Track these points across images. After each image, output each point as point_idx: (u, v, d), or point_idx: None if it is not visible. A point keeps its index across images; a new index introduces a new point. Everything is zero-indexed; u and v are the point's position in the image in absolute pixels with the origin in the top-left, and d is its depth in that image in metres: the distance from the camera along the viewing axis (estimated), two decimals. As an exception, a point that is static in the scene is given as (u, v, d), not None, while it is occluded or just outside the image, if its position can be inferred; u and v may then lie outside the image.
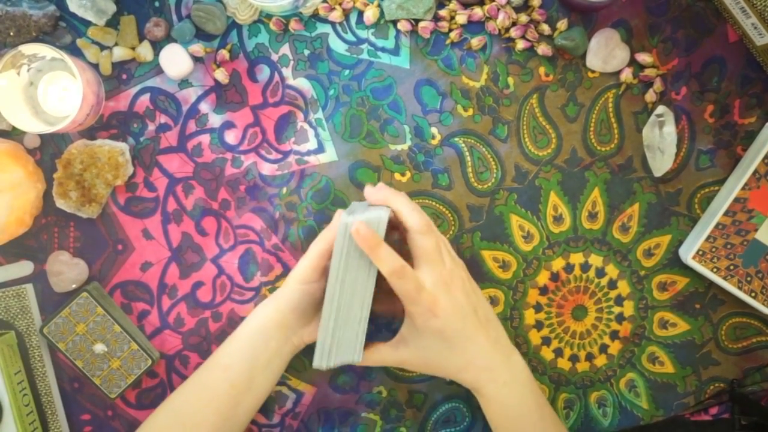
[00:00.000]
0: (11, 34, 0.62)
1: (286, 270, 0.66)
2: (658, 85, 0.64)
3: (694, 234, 0.65)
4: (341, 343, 0.55)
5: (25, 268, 0.65)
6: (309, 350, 0.66)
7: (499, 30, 0.64)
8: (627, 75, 0.64)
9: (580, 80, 0.65)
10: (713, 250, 0.63)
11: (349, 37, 0.64)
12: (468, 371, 0.57)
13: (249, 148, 0.65)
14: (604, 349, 0.67)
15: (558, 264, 0.66)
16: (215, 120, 0.65)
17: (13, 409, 0.61)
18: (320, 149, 0.65)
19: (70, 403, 0.66)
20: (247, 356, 0.58)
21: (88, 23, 0.63)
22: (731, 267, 0.64)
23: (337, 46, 0.64)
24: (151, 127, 0.65)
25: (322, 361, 0.55)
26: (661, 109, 0.64)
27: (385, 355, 0.59)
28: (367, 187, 0.58)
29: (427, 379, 0.67)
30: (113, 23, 0.63)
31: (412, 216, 0.56)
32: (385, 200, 0.57)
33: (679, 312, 0.67)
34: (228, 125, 0.65)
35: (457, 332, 0.55)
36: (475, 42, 0.64)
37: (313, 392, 0.67)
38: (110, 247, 0.65)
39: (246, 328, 0.60)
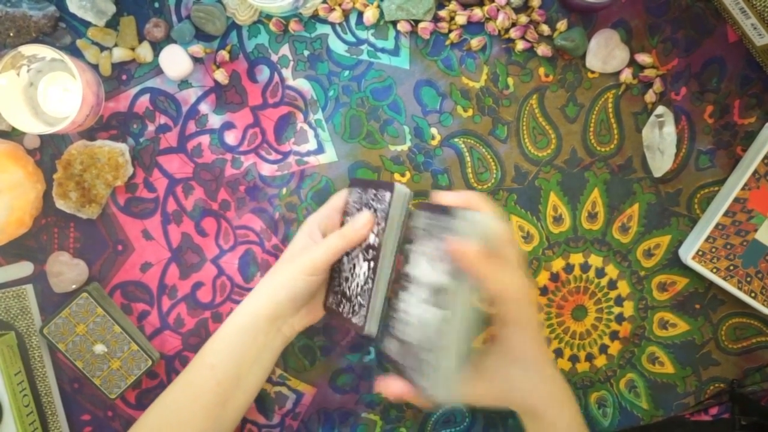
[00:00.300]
0: (11, 34, 0.62)
1: (286, 270, 0.66)
2: (657, 85, 0.64)
3: (694, 234, 0.65)
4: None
5: (25, 268, 0.65)
6: (310, 351, 0.66)
7: (499, 31, 0.64)
8: (627, 75, 0.64)
9: (580, 81, 0.65)
10: (713, 250, 0.63)
11: (349, 37, 0.64)
12: (533, 397, 0.52)
13: (249, 149, 0.65)
14: (604, 349, 0.67)
15: (558, 264, 0.67)
16: (215, 121, 0.65)
17: (13, 410, 0.61)
18: (320, 150, 0.65)
19: (70, 403, 0.66)
20: (233, 354, 0.57)
21: (87, 24, 0.63)
22: (731, 267, 0.64)
23: (337, 46, 0.64)
24: (151, 127, 0.65)
25: (370, 328, 0.53)
26: (660, 109, 0.64)
27: (464, 392, 0.51)
28: (442, 193, 0.51)
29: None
30: (113, 24, 0.63)
31: (501, 224, 0.48)
32: (468, 203, 0.50)
33: (679, 312, 0.67)
34: (228, 126, 0.65)
35: (536, 357, 0.51)
36: (475, 43, 0.64)
37: (313, 392, 0.67)
38: (110, 247, 0.65)
39: (233, 323, 0.58)
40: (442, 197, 0.50)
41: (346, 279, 0.59)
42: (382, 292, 0.54)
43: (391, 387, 0.49)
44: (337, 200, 0.61)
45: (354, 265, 0.58)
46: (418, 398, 0.48)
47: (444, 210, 0.48)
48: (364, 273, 0.56)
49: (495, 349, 0.51)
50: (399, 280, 0.52)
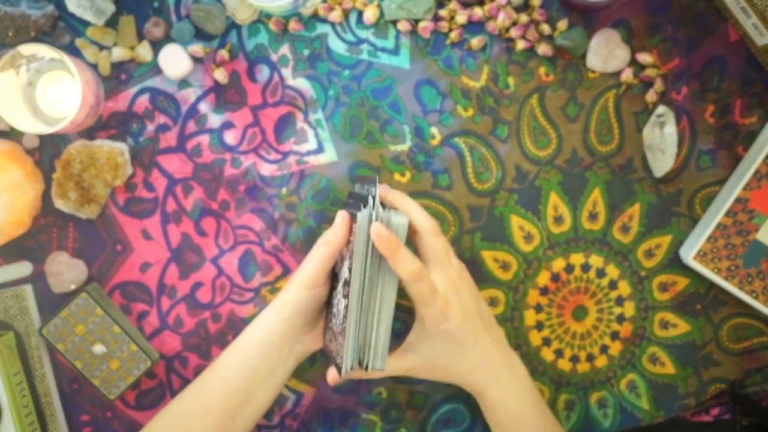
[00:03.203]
0: (10, 34, 0.61)
1: (286, 270, 0.66)
2: (658, 85, 0.64)
3: (695, 234, 0.65)
4: (364, 349, 0.55)
5: (24, 268, 0.65)
6: (309, 351, 0.66)
7: (500, 30, 0.64)
8: (627, 75, 0.64)
9: (581, 80, 0.65)
10: (714, 250, 0.63)
11: (349, 37, 0.64)
12: (474, 374, 0.57)
13: (248, 149, 0.65)
14: (604, 349, 0.67)
15: (558, 264, 0.66)
16: (214, 120, 0.65)
17: (12, 411, 0.61)
18: (320, 149, 0.65)
19: (70, 404, 0.66)
20: (246, 369, 0.57)
21: (87, 23, 0.63)
22: (732, 267, 0.64)
23: (337, 46, 0.64)
24: (151, 127, 0.64)
25: (347, 367, 0.54)
26: (661, 109, 0.64)
27: (393, 363, 0.58)
28: (381, 186, 0.58)
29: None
30: (112, 23, 0.63)
31: (424, 218, 0.56)
32: (393, 202, 0.57)
33: (680, 312, 0.67)
34: (227, 125, 0.65)
35: (467, 335, 0.55)
36: (475, 42, 0.64)
37: (313, 393, 0.67)
38: (109, 247, 0.65)
39: (247, 338, 0.58)
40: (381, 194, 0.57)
41: (335, 315, 0.57)
42: (353, 328, 0.54)
43: (329, 374, 0.57)
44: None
45: (338, 301, 0.56)
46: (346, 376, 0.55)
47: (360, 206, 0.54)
48: (342, 310, 0.55)
49: (416, 326, 0.57)
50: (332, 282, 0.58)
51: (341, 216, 0.55)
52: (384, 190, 0.59)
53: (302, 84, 0.64)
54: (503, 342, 0.59)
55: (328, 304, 0.60)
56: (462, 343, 0.56)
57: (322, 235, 0.58)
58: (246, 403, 0.57)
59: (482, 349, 0.56)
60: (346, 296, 0.53)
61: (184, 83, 0.64)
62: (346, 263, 0.54)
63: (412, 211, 0.57)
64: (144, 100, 0.64)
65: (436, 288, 0.54)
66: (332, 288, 0.58)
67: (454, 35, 0.64)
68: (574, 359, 0.67)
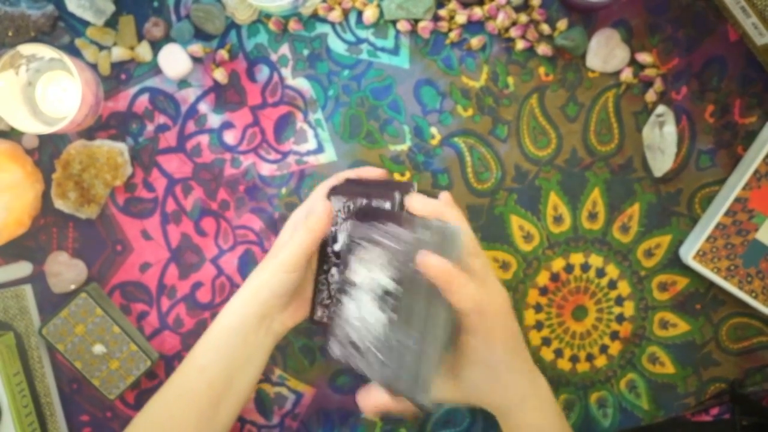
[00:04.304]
0: (9, 34, 0.61)
1: (286, 270, 0.66)
2: (658, 84, 0.64)
3: (695, 234, 0.65)
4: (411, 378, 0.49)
5: (23, 268, 0.65)
6: (309, 351, 0.66)
7: (499, 30, 0.64)
8: (627, 75, 0.64)
9: (580, 80, 0.65)
10: (714, 250, 0.63)
11: (349, 37, 0.64)
12: (503, 397, 0.54)
13: (248, 149, 0.65)
14: (604, 349, 0.67)
15: (558, 264, 0.66)
16: (214, 120, 0.65)
17: (12, 411, 0.61)
18: (320, 149, 0.65)
19: (69, 404, 0.66)
20: (224, 355, 0.56)
21: (86, 23, 0.63)
22: (732, 267, 0.64)
23: (337, 46, 0.64)
24: (150, 127, 0.64)
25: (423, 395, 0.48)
26: (661, 108, 0.64)
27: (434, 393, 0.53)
28: (415, 197, 0.53)
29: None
30: (112, 23, 0.63)
31: (466, 236, 0.51)
32: (437, 213, 0.52)
33: (680, 312, 0.67)
34: (227, 125, 0.65)
35: (505, 360, 0.52)
36: (475, 42, 0.64)
37: (313, 393, 0.67)
38: (109, 247, 0.65)
39: (222, 324, 0.57)
40: (414, 205, 0.52)
41: (334, 293, 0.57)
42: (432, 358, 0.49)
43: (370, 399, 0.53)
44: (322, 191, 0.61)
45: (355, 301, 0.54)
46: (396, 405, 0.52)
47: (389, 215, 0.51)
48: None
49: (458, 353, 0.53)
50: (341, 287, 0.54)
51: (324, 207, 0.55)
52: (425, 199, 0.53)
53: (302, 84, 0.64)
54: (530, 362, 0.56)
55: (320, 281, 0.60)
56: (499, 366, 0.52)
57: (307, 219, 0.56)
58: (228, 388, 0.56)
59: (517, 372, 0.54)
60: (394, 310, 0.49)
61: (183, 83, 0.64)
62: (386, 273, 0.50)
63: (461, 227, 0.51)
64: (144, 100, 0.64)
65: (487, 314, 0.50)
66: (323, 264, 0.59)
67: (453, 35, 0.64)
68: (574, 359, 0.67)
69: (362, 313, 0.51)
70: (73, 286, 0.64)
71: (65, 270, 0.64)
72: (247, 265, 0.66)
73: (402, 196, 0.55)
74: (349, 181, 0.61)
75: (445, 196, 0.57)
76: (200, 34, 0.64)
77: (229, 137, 0.65)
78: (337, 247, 0.59)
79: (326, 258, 0.60)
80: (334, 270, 0.59)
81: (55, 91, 0.62)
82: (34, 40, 0.62)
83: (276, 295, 0.56)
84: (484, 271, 0.52)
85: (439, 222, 0.49)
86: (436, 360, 0.50)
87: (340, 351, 0.54)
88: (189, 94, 0.64)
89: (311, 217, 0.56)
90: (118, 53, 0.63)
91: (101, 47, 0.64)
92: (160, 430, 0.56)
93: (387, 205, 0.54)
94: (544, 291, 0.67)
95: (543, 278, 0.66)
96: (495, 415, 0.56)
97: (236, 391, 0.57)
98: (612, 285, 0.67)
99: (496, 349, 0.52)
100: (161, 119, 0.64)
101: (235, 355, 0.56)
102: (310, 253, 0.56)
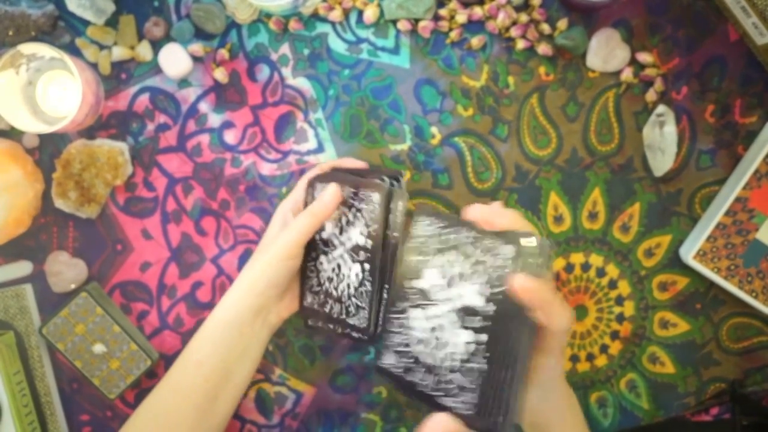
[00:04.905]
0: (10, 33, 0.61)
1: (286, 270, 0.66)
2: (658, 84, 0.64)
3: (695, 234, 0.65)
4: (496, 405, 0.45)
5: (24, 268, 0.65)
6: (310, 351, 0.66)
7: (499, 29, 0.64)
8: (627, 74, 0.64)
9: (581, 80, 0.65)
10: (714, 250, 0.63)
11: (349, 36, 0.64)
12: (549, 417, 0.53)
13: (248, 148, 0.65)
14: (604, 349, 0.67)
15: (558, 264, 0.66)
16: (215, 120, 0.65)
17: (12, 410, 0.61)
18: (320, 149, 0.65)
19: (69, 403, 0.66)
20: (220, 349, 0.56)
21: (87, 23, 0.63)
22: (732, 267, 0.64)
23: (337, 45, 0.64)
24: (151, 126, 0.64)
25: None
26: (661, 108, 0.64)
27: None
28: (492, 212, 0.48)
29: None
30: (112, 23, 0.63)
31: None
32: (515, 223, 0.48)
33: (680, 312, 0.67)
34: (227, 125, 0.65)
35: (556, 377, 0.51)
36: (475, 41, 0.64)
37: (313, 393, 0.67)
38: (109, 247, 0.65)
39: (217, 318, 0.57)
40: (494, 218, 0.47)
41: (330, 279, 0.58)
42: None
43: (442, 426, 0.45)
44: (306, 181, 0.61)
45: (339, 266, 0.57)
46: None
47: (473, 227, 0.47)
48: (357, 275, 0.56)
49: (534, 379, 0.50)
50: (407, 297, 0.49)
51: (332, 190, 0.56)
52: (478, 212, 0.49)
53: (302, 83, 0.64)
54: (564, 377, 0.55)
55: (309, 269, 0.60)
56: (552, 388, 0.51)
57: (313, 204, 0.56)
58: (225, 382, 0.57)
59: (560, 391, 0.53)
60: (359, 261, 0.49)
61: (184, 83, 0.64)
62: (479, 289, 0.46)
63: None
64: (144, 99, 0.64)
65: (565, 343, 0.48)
66: (312, 251, 0.60)
67: (454, 35, 0.64)
68: (574, 359, 0.67)
69: (445, 335, 0.47)
70: (73, 286, 0.65)
71: (65, 269, 0.64)
72: (247, 264, 0.66)
73: (391, 181, 0.57)
74: (335, 170, 0.61)
75: (497, 205, 0.53)
76: (201, 34, 0.64)
77: (230, 137, 0.65)
78: (324, 234, 0.59)
79: (314, 245, 0.60)
80: (322, 257, 0.59)
81: (55, 91, 0.62)
82: (35, 39, 0.62)
83: (272, 285, 0.56)
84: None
85: (533, 234, 0.45)
86: (523, 389, 0.46)
87: (397, 361, 0.50)
88: (189, 94, 0.64)
89: (317, 203, 0.56)
90: (119, 53, 0.63)
91: (102, 47, 0.64)
92: (157, 424, 0.56)
93: (375, 196, 0.55)
94: (544, 291, 0.67)
95: (543, 278, 0.66)
96: (526, 429, 0.54)
97: (233, 384, 0.58)
98: (612, 285, 0.67)
99: (556, 369, 0.50)
100: (161, 119, 0.64)
101: (231, 349, 0.57)
102: (308, 239, 0.56)
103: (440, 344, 0.47)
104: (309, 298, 0.61)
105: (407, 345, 0.49)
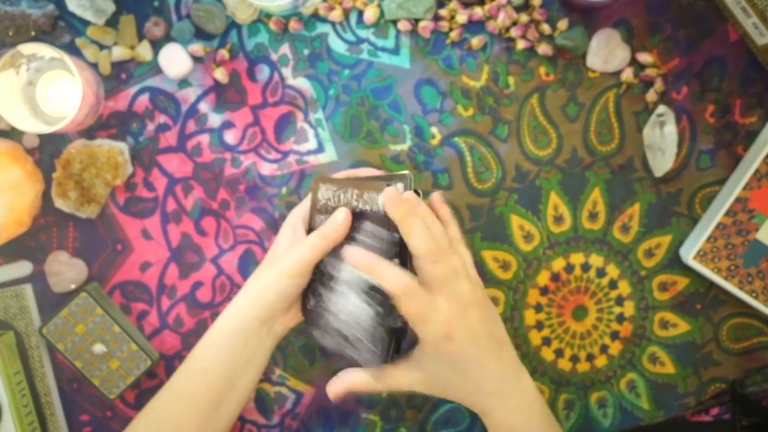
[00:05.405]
0: (10, 33, 0.61)
1: (286, 270, 0.66)
2: (658, 84, 0.64)
3: (695, 234, 0.65)
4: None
5: (23, 268, 0.65)
6: (310, 351, 0.66)
7: (500, 30, 0.64)
8: (628, 75, 0.64)
9: (581, 80, 0.65)
10: (714, 250, 0.63)
11: (349, 36, 0.64)
12: (479, 397, 0.55)
13: (248, 148, 0.65)
14: (604, 349, 0.67)
15: (558, 264, 0.66)
16: (215, 120, 0.65)
17: (12, 410, 0.61)
18: (320, 149, 0.65)
19: (69, 403, 0.66)
20: (225, 358, 0.56)
21: (87, 23, 0.63)
22: (732, 267, 0.64)
23: (337, 45, 0.64)
24: (151, 126, 0.64)
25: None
26: (661, 108, 0.64)
27: (395, 378, 0.55)
28: (387, 191, 0.52)
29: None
30: (112, 23, 0.63)
31: (421, 239, 0.51)
32: (398, 220, 0.52)
33: (680, 312, 0.67)
34: (227, 125, 0.65)
35: (472, 358, 0.53)
36: (476, 42, 0.64)
37: (313, 393, 0.67)
38: (109, 247, 0.65)
39: (223, 326, 0.57)
40: (387, 208, 0.52)
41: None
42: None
43: (337, 383, 0.56)
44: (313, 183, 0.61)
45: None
46: (360, 382, 0.55)
47: (374, 217, 0.54)
48: (368, 314, 0.57)
49: (419, 344, 0.55)
50: (323, 282, 0.57)
51: (343, 214, 0.55)
52: (395, 200, 0.53)
53: (302, 83, 0.64)
54: (514, 363, 0.56)
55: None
56: (467, 366, 0.53)
57: (324, 225, 0.56)
58: (229, 390, 0.56)
59: (488, 372, 0.54)
60: (380, 304, 0.54)
61: (184, 83, 0.64)
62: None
63: (411, 234, 0.51)
64: (144, 99, 0.64)
65: (437, 308, 0.51)
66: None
67: (454, 35, 0.64)
68: (574, 359, 0.67)
69: (349, 307, 0.55)
70: (73, 286, 0.64)
71: (65, 269, 0.64)
72: (247, 264, 0.66)
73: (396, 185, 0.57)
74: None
75: (435, 196, 0.57)
76: (201, 34, 0.64)
77: (230, 137, 0.65)
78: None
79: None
80: (326, 259, 0.59)
81: (55, 91, 0.62)
82: (35, 39, 0.62)
83: (281, 298, 0.56)
84: (444, 275, 0.51)
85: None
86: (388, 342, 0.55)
87: (330, 341, 0.56)
88: (189, 94, 0.64)
89: (328, 224, 0.55)
90: (119, 53, 0.63)
91: (102, 47, 0.64)
92: (159, 430, 0.56)
93: (378, 198, 0.55)
94: (544, 291, 0.67)
95: (543, 278, 0.66)
96: (480, 417, 0.56)
97: (237, 392, 0.57)
98: (612, 285, 0.67)
99: (456, 345, 0.52)
100: (162, 119, 0.64)
101: (237, 358, 0.56)
102: (318, 259, 0.55)
103: (353, 320, 0.55)
104: (312, 301, 0.60)
105: (330, 323, 0.57)
